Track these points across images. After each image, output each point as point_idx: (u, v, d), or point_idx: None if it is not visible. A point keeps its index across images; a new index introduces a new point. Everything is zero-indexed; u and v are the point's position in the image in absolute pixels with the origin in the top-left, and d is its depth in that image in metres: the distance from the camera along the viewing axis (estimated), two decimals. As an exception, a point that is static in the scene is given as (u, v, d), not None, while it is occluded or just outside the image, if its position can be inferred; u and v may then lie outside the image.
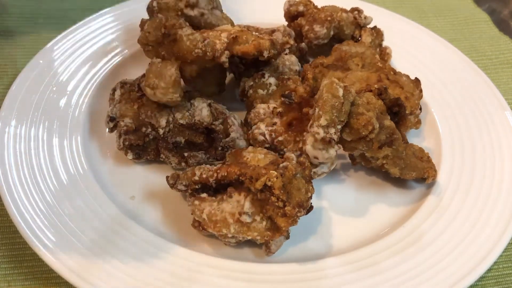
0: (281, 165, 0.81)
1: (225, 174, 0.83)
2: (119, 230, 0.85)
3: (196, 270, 0.81)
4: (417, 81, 1.05)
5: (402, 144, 0.93)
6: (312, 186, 0.84)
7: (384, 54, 1.14)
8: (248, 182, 0.80)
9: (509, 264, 0.92)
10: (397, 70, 1.07)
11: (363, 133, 0.88)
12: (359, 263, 0.84)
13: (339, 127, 0.87)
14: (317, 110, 0.87)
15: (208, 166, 0.86)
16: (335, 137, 0.86)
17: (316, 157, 0.87)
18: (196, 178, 0.85)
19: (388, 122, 0.91)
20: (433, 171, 0.95)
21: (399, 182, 0.99)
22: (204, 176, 0.84)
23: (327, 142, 0.86)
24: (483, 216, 0.91)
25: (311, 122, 0.88)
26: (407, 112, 0.97)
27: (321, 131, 0.86)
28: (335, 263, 0.84)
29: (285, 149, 0.92)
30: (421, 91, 1.05)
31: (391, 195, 0.98)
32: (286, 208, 0.78)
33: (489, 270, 0.90)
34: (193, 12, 1.01)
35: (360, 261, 0.84)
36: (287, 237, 0.86)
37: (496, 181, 0.96)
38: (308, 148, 0.87)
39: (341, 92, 0.87)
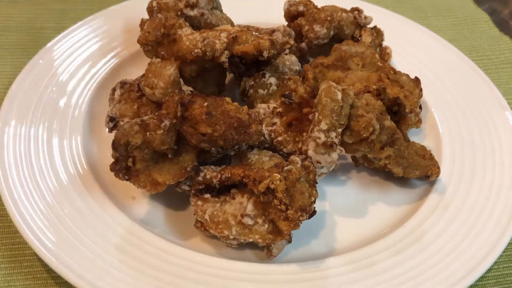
0: (285, 168, 0.81)
1: (229, 175, 0.83)
2: (119, 231, 0.85)
3: (198, 271, 0.81)
4: (417, 80, 1.06)
5: (404, 143, 0.93)
6: (316, 190, 0.83)
7: (384, 54, 1.14)
8: (251, 184, 0.80)
9: (509, 264, 0.92)
10: (397, 70, 1.07)
11: (364, 135, 0.88)
12: (360, 263, 0.84)
13: (339, 130, 0.87)
14: (316, 114, 0.87)
15: (212, 166, 0.86)
16: (336, 141, 0.87)
17: (318, 162, 0.88)
18: (200, 178, 0.85)
19: (388, 122, 0.91)
20: (436, 168, 0.95)
21: (401, 181, 0.99)
22: (208, 176, 0.84)
23: (328, 146, 0.86)
24: (483, 217, 0.91)
25: (311, 127, 0.88)
26: (407, 110, 0.97)
27: (322, 135, 0.86)
28: (335, 263, 0.84)
29: (284, 149, 0.92)
30: (421, 90, 1.05)
31: (393, 194, 0.98)
32: (288, 212, 0.78)
33: (489, 270, 0.90)
34: (193, 12, 1.01)
35: (361, 261, 0.84)
36: (289, 241, 0.86)
37: (496, 182, 0.96)
38: (310, 153, 0.87)
39: (339, 95, 0.87)
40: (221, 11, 1.08)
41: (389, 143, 0.91)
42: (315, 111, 0.88)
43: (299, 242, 0.88)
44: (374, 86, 0.93)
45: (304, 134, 0.93)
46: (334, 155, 0.87)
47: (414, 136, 1.06)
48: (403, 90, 1.01)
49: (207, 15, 1.03)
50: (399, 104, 0.94)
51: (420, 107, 1.04)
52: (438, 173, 0.95)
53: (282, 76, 1.00)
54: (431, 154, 0.97)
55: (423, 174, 0.95)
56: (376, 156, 0.92)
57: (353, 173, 1.00)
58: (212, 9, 1.05)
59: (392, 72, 1.05)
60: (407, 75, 1.06)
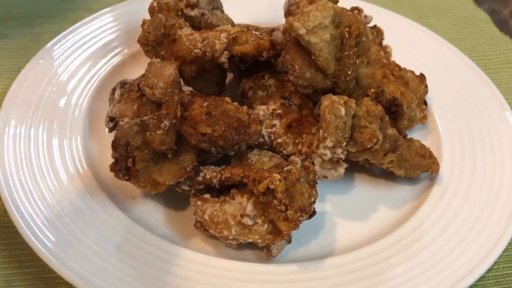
0: (285, 168, 0.81)
1: (229, 175, 0.83)
2: (119, 231, 0.85)
3: (198, 271, 0.81)
4: (422, 77, 1.06)
5: (406, 148, 0.93)
6: (316, 191, 0.83)
7: (384, 53, 1.14)
8: (251, 185, 0.80)
9: (509, 264, 0.92)
10: (402, 67, 1.07)
11: (368, 146, 0.88)
12: (359, 264, 0.84)
13: (344, 144, 0.88)
14: (321, 132, 0.87)
15: (212, 166, 0.86)
16: (342, 156, 0.87)
17: (325, 176, 0.89)
18: (200, 178, 0.85)
19: (391, 131, 0.92)
20: (436, 166, 0.96)
21: (401, 181, 0.99)
22: (207, 176, 0.84)
23: (335, 162, 0.87)
24: (483, 217, 0.91)
25: (316, 143, 0.88)
26: (404, 107, 0.98)
27: (328, 152, 0.86)
28: (335, 264, 0.84)
29: (284, 151, 0.92)
30: (426, 86, 1.06)
31: (392, 195, 0.98)
32: (288, 212, 0.78)
33: (489, 270, 0.90)
34: (193, 12, 1.01)
35: (360, 261, 0.85)
36: (289, 241, 0.86)
37: (496, 182, 0.96)
38: (317, 168, 0.87)
39: (343, 111, 0.87)
40: (222, 11, 1.08)
41: (392, 149, 0.91)
42: (319, 127, 0.88)
43: (298, 242, 0.88)
44: (372, 90, 0.93)
45: (304, 135, 0.93)
46: (341, 170, 0.88)
47: (415, 137, 1.06)
48: (399, 87, 1.01)
49: (207, 15, 1.02)
50: (397, 105, 0.95)
51: (425, 103, 1.05)
52: (437, 170, 0.96)
53: (281, 77, 1.00)
54: (430, 152, 0.97)
55: (424, 171, 0.96)
56: (379, 162, 0.92)
57: (353, 174, 1.00)
58: (213, 9, 1.05)
59: (397, 69, 1.05)
60: (412, 72, 1.07)
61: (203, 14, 1.02)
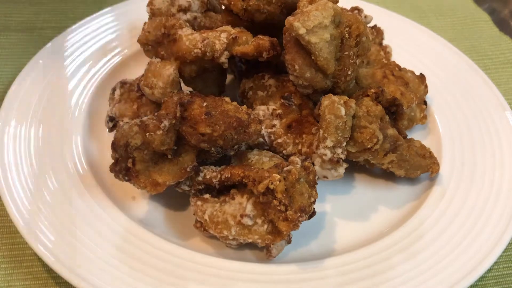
0: (285, 168, 0.81)
1: (229, 175, 0.83)
2: (119, 231, 0.85)
3: (198, 271, 0.81)
4: (422, 77, 1.06)
5: (406, 148, 0.93)
6: (315, 191, 0.83)
7: (384, 53, 1.14)
8: (251, 185, 0.80)
9: (509, 264, 0.92)
10: (402, 67, 1.07)
11: (368, 146, 0.88)
12: (359, 264, 0.84)
13: (344, 144, 0.88)
14: (321, 132, 0.87)
15: (212, 166, 0.86)
16: (342, 156, 0.87)
17: (325, 177, 0.89)
18: (200, 178, 0.85)
19: (391, 131, 0.92)
20: (436, 166, 0.96)
21: (401, 181, 0.99)
22: (207, 177, 0.84)
23: (335, 162, 0.87)
24: (483, 217, 0.91)
25: (316, 143, 0.88)
26: (404, 107, 0.98)
27: (328, 152, 0.86)
28: (334, 264, 0.84)
29: (284, 151, 0.92)
30: (426, 86, 1.06)
31: (392, 195, 0.98)
32: (288, 213, 0.78)
33: (489, 270, 0.90)
34: (185, 17, 1.01)
35: (360, 261, 0.84)
36: (289, 242, 0.86)
37: (496, 182, 0.96)
38: (317, 169, 0.87)
39: (343, 111, 0.87)
40: (220, 11, 1.08)
41: (392, 150, 0.91)
42: (319, 127, 0.88)
43: (298, 242, 0.88)
44: (372, 90, 0.93)
45: (304, 136, 0.93)
46: (341, 170, 0.88)
47: (415, 137, 1.06)
48: (399, 87, 1.01)
49: (200, 18, 1.02)
50: (397, 105, 0.95)
51: (425, 103, 1.05)
52: (437, 170, 0.96)
53: (281, 77, 1.00)
54: (430, 152, 0.97)
55: (424, 172, 0.96)
56: (379, 162, 0.92)
57: (353, 174, 1.00)
58: (207, 11, 1.04)
59: (397, 69, 1.05)
60: (412, 72, 1.07)
61: (195, 18, 1.02)
